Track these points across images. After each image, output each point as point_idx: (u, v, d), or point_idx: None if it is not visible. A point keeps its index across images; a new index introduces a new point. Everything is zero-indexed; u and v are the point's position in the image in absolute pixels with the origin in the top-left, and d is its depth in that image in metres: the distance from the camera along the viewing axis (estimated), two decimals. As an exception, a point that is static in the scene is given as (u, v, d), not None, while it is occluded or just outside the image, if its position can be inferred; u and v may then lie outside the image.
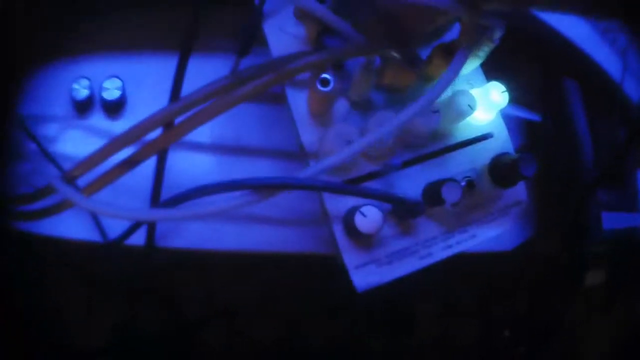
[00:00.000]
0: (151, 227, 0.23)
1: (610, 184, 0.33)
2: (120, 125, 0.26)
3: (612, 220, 0.29)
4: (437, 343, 0.43)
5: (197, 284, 0.40)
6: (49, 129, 0.26)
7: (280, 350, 0.42)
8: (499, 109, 0.22)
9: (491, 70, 0.28)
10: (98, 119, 0.25)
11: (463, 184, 0.22)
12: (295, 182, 0.17)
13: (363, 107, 0.22)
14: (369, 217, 0.20)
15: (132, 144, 0.20)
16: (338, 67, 0.22)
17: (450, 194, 0.21)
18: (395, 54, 0.19)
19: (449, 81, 0.17)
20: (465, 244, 0.22)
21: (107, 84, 0.25)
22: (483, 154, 0.23)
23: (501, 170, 0.22)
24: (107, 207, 0.19)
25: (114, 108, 0.25)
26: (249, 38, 0.23)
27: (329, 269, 0.25)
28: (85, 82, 0.25)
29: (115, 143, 0.20)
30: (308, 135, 0.22)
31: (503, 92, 0.22)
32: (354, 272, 0.21)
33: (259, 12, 0.23)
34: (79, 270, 0.31)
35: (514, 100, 0.30)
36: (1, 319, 0.28)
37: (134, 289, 0.37)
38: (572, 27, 0.30)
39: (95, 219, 0.24)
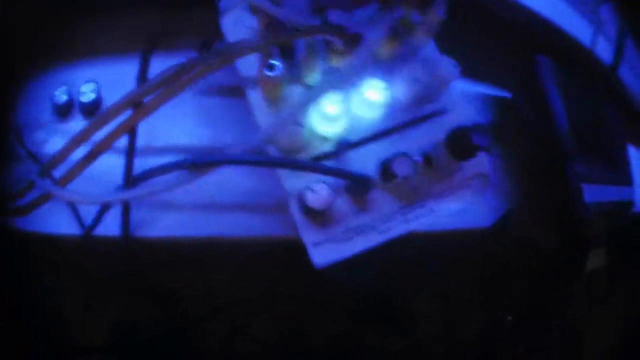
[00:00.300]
0: (125, 216, 0.25)
1: (601, 160, 0.32)
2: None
3: (593, 193, 0.28)
4: (437, 337, 0.43)
5: (197, 281, 0.41)
6: (35, 133, 0.28)
7: (280, 349, 0.43)
8: (452, 83, 0.23)
9: (462, 51, 0.28)
10: (78, 121, 0.27)
11: (419, 158, 0.23)
12: (239, 158, 0.18)
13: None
14: (319, 193, 0.20)
15: (101, 128, 0.21)
16: (287, 55, 0.22)
17: (401, 168, 0.21)
18: (333, 36, 0.20)
19: (366, 54, 0.18)
20: (424, 218, 0.23)
21: (83, 88, 0.27)
22: (440, 129, 0.23)
23: (457, 143, 0.22)
24: (76, 195, 0.21)
25: (91, 109, 0.27)
26: (210, 35, 0.24)
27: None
28: (64, 88, 0.27)
29: (86, 131, 0.21)
30: (264, 121, 0.22)
31: (454, 67, 0.22)
32: (312, 249, 0.22)
33: (217, 8, 0.24)
34: (74, 267, 0.33)
35: (486, 79, 0.30)
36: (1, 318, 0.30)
37: (131, 286, 0.39)
38: (542, 2, 0.30)
39: (74, 211, 0.25)
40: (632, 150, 0.32)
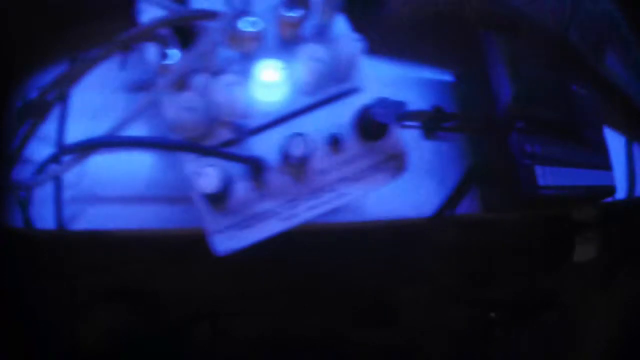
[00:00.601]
0: (58, 210, 0.26)
1: (574, 141, 0.29)
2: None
3: (549, 176, 0.25)
4: (421, 330, 0.41)
5: (180, 284, 0.42)
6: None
7: (265, 347, 0.42)
8: (359, 59, 0.22)
9: (404, 33, 0.27)
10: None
11: (325, 140, 0.22)
12: (110, 140, 0.18)
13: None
14: (208, 176, 0.20)
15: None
16: (186, 43, 0.22)
17: (296, 148, 0.20)
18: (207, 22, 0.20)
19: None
20: (334, 202, 0.21)
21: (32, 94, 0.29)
22: (349, 109, 0.22)
23: (364, 123, 0.21)
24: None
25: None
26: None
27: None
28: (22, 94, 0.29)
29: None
30: (168, 109, 0.22)
31: (357, 41, 0.21)
32: (214, 237, 0.21)
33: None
34: (59, 269, 0.34)
35: (429, 60, 0.29)
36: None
37: (112, 289, 0.40)
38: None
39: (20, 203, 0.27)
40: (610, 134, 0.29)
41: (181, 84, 0.23)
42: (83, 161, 0.19)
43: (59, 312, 0.38)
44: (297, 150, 0.20)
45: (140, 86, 0.27)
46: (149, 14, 0.24)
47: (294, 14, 0.21)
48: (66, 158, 0.20)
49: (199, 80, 0.23)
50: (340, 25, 0.23)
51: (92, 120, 0.27)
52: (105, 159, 0.28)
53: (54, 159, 0.20)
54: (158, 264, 0.40)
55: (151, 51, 0.22)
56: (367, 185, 0.22)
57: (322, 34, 0.23)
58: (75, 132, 0.27)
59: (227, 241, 0.21)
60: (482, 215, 0.27)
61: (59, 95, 0.22)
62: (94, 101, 0.27)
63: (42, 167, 0.21)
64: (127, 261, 0.37)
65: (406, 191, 0.27)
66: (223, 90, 0.20)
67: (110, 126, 0.19)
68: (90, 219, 0.26)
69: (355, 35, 0.21)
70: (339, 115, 0.22)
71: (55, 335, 0.37)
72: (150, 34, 0.20)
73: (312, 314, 0.41)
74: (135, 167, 0.27)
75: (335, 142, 0.22)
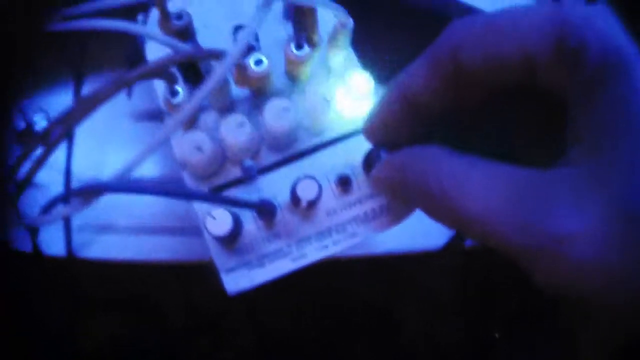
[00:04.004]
0: (68, 237, 0.26)
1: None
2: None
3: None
4: (421, 345, 0.41)
5: (181, 295, 0.42)
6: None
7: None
8: (368, 97, 0.21)
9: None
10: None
11: (334, 181, 0.22)
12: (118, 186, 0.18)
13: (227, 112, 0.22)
14: (219, 220, 0.20)
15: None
16: (193, 79, 0.22)
17: (306, 192, 0.20)
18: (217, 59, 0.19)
19: (217, 79, 0.18)
20: (344, 242, 0.22)
21: (36, 117, 0.28)
22: (357, 149, 0.22)
23: (374, 163, 0.21)
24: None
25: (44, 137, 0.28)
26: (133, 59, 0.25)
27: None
28: (21, 115, 0.29)
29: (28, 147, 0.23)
30: (177, 147, 0.22)
31: (368, 79, 0.21)
32: (225, 276, 0.21)
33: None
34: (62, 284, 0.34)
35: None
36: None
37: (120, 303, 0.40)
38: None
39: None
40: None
41: (190, 122, 0.22)
42: (91, 203, 0.19)
43: (63, 321, 0.38)
44: (307, 193, 0.20)
45: (147, 115, 0.26)
46: (156, 51, 0.24)
47: (302, 52, 0.21)
48: (74, 199, 0.20)
49: (208, 119, 0.23)
50: (351, 62, 0.23)
51: (99, 147, 0.27)
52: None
53: (62, 199, 0.20)
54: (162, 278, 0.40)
55: (159, 86, 0.22)
56: (377, 225, 0.22)
57: (330, 72, 0.23)
58: (83, 160, 0.27)
59: (238, 280, 0.21)
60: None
61: (66, 129, 0.22)
62: (101, 128, 0.27)
63: (49, 206, 0.21)
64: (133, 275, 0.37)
65: (416, 221, 0.27)
66: (233, 131, 0.20)
67: (120, 160, 0.19)
68: (99, 247, 0.26)
69: (365, 74, 0.21)
70: (349, 155, 0.22)
71: (59, 343, 0.38)
72: (158, 71, 0.20)
73: (314, 328, 0.41)
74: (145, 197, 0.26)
75: (344, 182, 0.22)
